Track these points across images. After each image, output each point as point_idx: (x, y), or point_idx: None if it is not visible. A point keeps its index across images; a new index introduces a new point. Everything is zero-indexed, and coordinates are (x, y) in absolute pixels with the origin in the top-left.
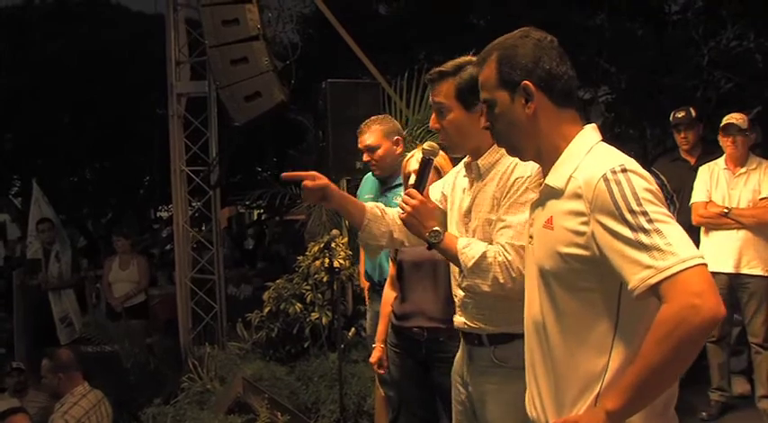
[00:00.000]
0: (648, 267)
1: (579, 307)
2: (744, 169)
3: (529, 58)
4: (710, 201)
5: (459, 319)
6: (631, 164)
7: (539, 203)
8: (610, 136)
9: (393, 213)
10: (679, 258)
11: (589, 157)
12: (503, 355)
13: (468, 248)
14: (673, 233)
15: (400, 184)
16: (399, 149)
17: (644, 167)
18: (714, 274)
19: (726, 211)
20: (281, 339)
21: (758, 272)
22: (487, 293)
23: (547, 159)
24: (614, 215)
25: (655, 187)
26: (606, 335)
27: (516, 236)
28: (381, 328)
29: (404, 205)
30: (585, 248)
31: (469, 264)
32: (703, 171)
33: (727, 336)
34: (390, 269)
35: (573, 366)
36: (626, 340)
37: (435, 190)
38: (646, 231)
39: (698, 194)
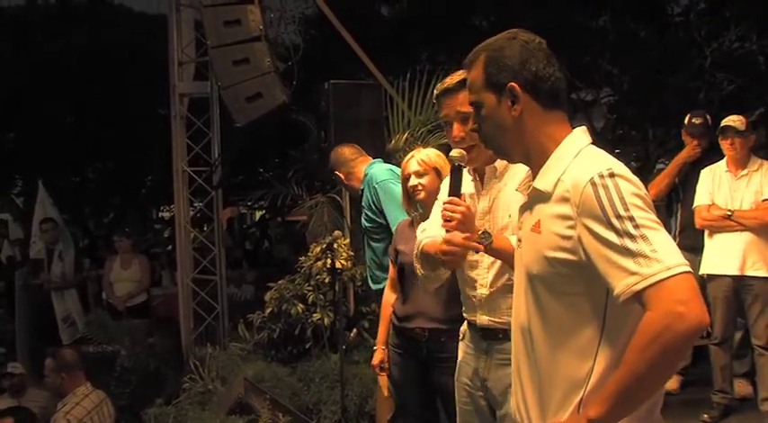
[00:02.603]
0: (634, 274)
1: (565, 312)
2: (745, 171)
3: (515, 59)
4: (713, 204)
5: (483, 318)
6: (620, 168)
7: (527, 207)
8: (612, 137)
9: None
10: (664, 265)
11: (577, 160)
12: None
13: None
14: (659, 240)
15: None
16: (343, 176)
17: (647, 167)
18: (719, 276)
19: (728, 213)
20: (282, 340)
21: (762, 273)
22: None
23: (535, 162)
24: (601, 220)
25: (643, 192)
26: (592, 340)
27: None
28: (382, 329)
29: (450, 214)
30: (572, 253)
31: None
32: (705, 174)
33: (730, 338)
34: (390, 271)
35: (557, 371)
36: (611, 346)
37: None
38: (632, 237)
39: (700, 198)
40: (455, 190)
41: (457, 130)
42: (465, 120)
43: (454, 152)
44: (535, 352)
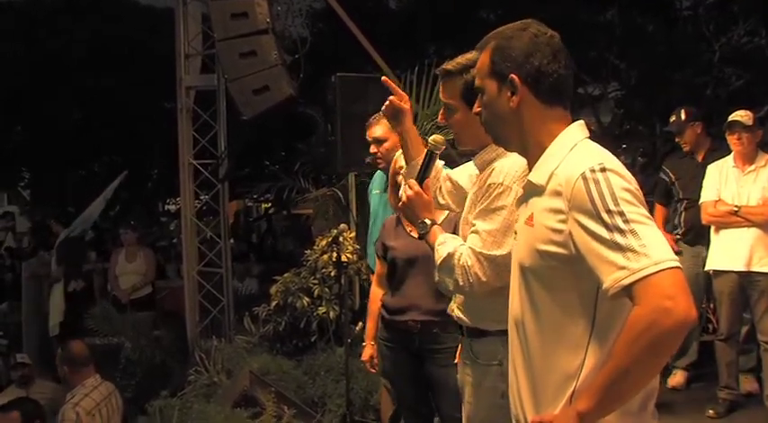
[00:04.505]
0: (622, 268)
1: (556, 305)
2: (753, 166)
3: (521, 51)
4: (720, 199)
5: (450, 306)
6: (611, 162)
7: (523, 200)
8: (619, 132)
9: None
10: (652, 261)
11: (572, 154)
12: (477, 350)
13: (442, 246)
14: (648, 234)
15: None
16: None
17: (653, 163)
18: (725, 272)
19: (735, 209)
20: (288, 333)
21: None
22: (451, 291)
23: (532, 155)
24: (591, 214)
25: (634, 187)
26: (582, 334)
27: (480, 243)
28: (371, 325)
29: (402, 195)
30: (563, 246)
31: (439, 261)
32: (712, 170)
33: (737, 334)
34: (377, 267)
35: (549, 364)
36: (602, 340)
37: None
38: (621, 231)
39: (707, 194)
40: (421, 174)
41: (440, 116)
42: (447, 109)
43: (432, 139)
44: (528, 344)
